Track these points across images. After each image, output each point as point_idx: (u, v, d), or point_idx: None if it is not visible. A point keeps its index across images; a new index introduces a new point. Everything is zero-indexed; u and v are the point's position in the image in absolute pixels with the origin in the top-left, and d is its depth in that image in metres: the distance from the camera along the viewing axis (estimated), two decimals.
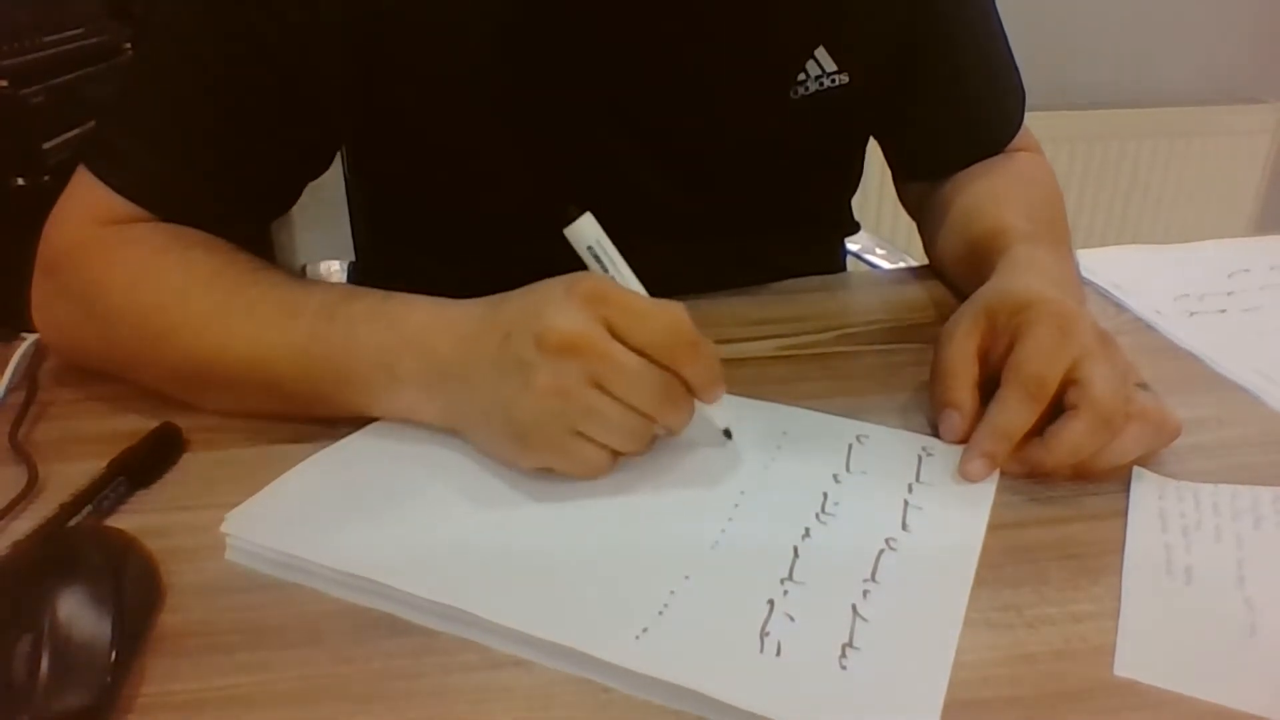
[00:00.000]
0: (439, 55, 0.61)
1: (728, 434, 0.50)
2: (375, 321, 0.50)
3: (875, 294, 0.76)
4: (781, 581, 0.40)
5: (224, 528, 0.43)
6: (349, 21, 0.58)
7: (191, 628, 0.39)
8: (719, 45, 0.65)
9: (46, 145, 1.27)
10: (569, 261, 0.48)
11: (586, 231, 0.47)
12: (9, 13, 1.30)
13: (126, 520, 0.46)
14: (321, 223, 1.20)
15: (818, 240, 0.84)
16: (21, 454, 0.50)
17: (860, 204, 0.84)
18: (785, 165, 0.72)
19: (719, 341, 0.48)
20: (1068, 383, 0.47)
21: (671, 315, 0.45)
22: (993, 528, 0.45)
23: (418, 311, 0.50)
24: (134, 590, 0.39)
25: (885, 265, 1.10)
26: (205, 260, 0.55)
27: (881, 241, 1.14)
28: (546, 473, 0.46)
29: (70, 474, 0.47)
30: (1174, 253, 0.78)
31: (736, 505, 0.46)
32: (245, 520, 0.43)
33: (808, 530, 0.44)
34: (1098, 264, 0.74)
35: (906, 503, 0.46)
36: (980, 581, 0.41)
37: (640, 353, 0.44)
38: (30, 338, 0.60)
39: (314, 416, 0.51)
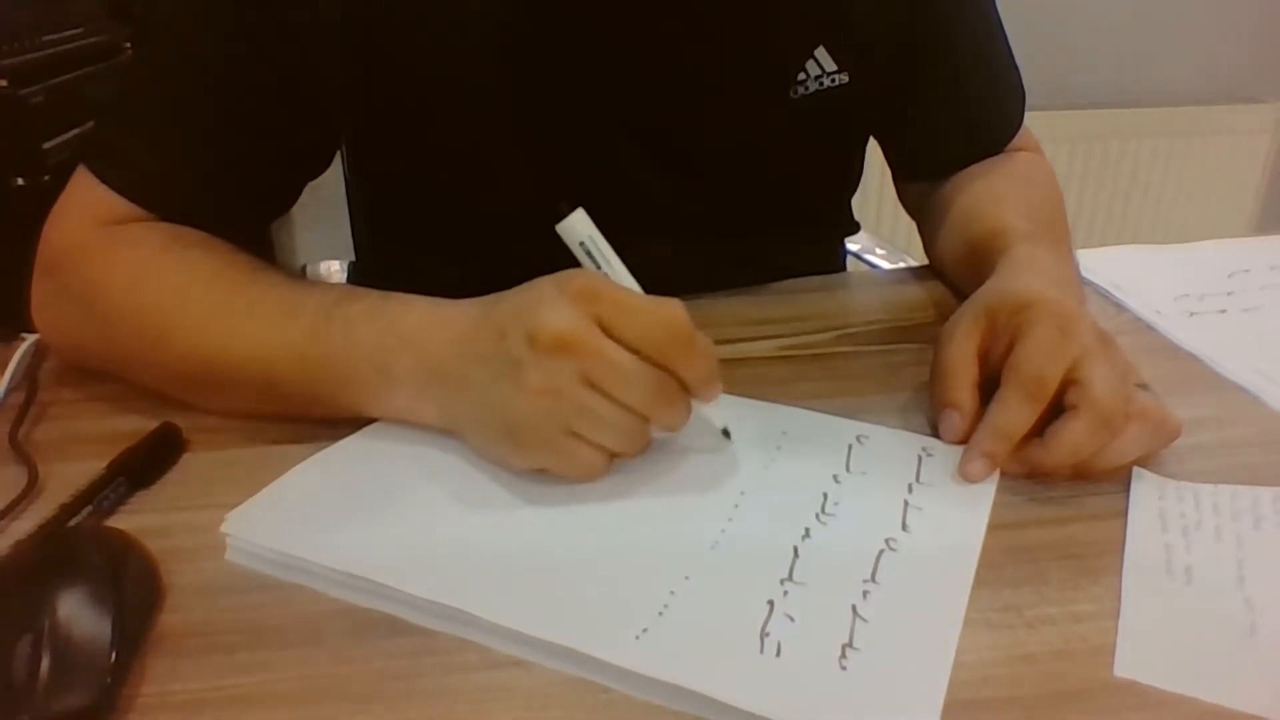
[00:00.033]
0: (439, 55, 0.61)
1: (726, 434, 0.50)
2: (373, 322, 0.50)
3: (875, 294, 0.76)
4: (781, 582, 0.40)
5: (224, 528, 0.43)
6: (349, 21, 0.58)
7: (191, 628, 0.39)
8: (719, 45, 0.65)
9: (46, 145, 1.27)
10: (569, 261, 0.48)
11: (578, 228, 0.47)
12: (9, 13, 1.30)
13: (126, 520, 0.46)
14: (321, 223, 1.20)
15: (818, 240, 0.84)
16: (21, 454, 0.50)
17: (860, 204, 0.84)
18: (785, 165, 0.72)
19: (719, 341, 0.48)
20: (1068, 383, 0.47)
21: (665, 311, 0.44)
22: (993, 528, 0.45)
23: (414, 312, 0.50)
24: (134, 590, 0.39)
25: (885, 265, 1.10)
26: (205, 260, 0.55)
27: (881, 241, 1.14)
28: (542, 474, 0.46)
29: (70, 474, 0.47)
30: (1174, 253, 0.78)
31: (736, 505, 0.46)
32: (245, 520, 0.43)
33: (808, 530, 0.44)
34: (1098, 264, 0.74)
35: (906, 503, 0.46)
36: (980, 581, 0.41)
37: (634, 350, 0.44)
38: (30, 338, 0.60)
39: (313, 417, 0.51)
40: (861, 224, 0.86)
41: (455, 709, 0.35)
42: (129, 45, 1.51)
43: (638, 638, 0.37)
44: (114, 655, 0.35)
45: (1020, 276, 0.55)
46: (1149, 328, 0.66)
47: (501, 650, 0.38)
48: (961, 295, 0.60)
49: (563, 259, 0.47)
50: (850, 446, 0.51)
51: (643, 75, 0.64)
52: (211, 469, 0.50)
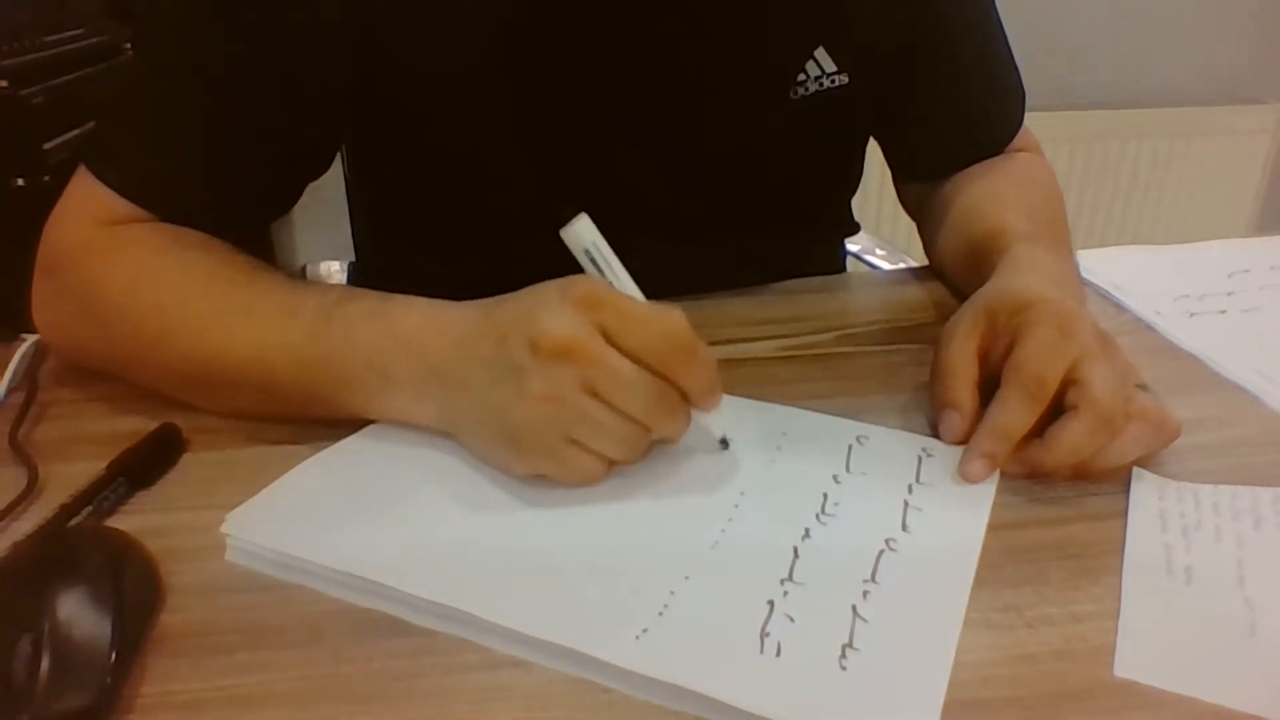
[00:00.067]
0: (439, 55, 0.61)
1: (725, 443, 0.49)
2: (372, 323, 0.50)
3: (875, 294, 0.76)
4: (781, 582, 0.40)
5: (224, 528, 0.43)
6: (349, 22, 0.58)
7: (191, 628, 0.39)
8: (719, 45, 0.65)
9: (46, 145, 1.27)
10: (570, 262, 0.47)
11: (583, 234, 0.47)
12: (9, 13, 1.30)
13: (126, 521, 0.46)
14: (321, 223, 1.20)
15: (818, 240, 0.84)
16: (21, 454, 0.50)
17: (860, 204, 0.84)
18: (785, 165, 0.72)
19: (719, 342, 0.48)
20: (1068, 383, 0.47)
21: (668, 321, 0.44)
22: (993, 528, 0.45)
23: (413, 314, 0.50)
24: (134, 591, 0.39)
25: (885, 265, 1.10)
26: (204, 261, 0.55)
27: (881, 242, 1.14)
28: (540, 479, 0.46)
29: (70, 474, 0.47)
30: (1174, 253, 0.78)
31: (736, 506, 0.46)
32: (245, 521, 0.43)
33: (808, 531, 0.44)
34: (1098, 264, 0.74)
35: (906, 503, 0.46)
36: (980, 582, 0.41)
37: (635, 358, 0.44)
38: (30, 338, 0.60)
39: (312, 417, 0.51)
40: (861, 224, 0.86)
41: (455, 709, 0.35)
42: (129, 45, 1.51)
43: (638, 638, 0.37)
44: (114, 655, 0.35)
45: (1020, 277, 0.55)
46: (1149, 328, 0.66)
47: (501, 650, 0.38)
48: (961, 296, 0.60)
49: (563, 259, 0.47)
50: (850, 447, 0.51)
51: (643, 75, 0.64)
52: (211, 469, 0.50)
